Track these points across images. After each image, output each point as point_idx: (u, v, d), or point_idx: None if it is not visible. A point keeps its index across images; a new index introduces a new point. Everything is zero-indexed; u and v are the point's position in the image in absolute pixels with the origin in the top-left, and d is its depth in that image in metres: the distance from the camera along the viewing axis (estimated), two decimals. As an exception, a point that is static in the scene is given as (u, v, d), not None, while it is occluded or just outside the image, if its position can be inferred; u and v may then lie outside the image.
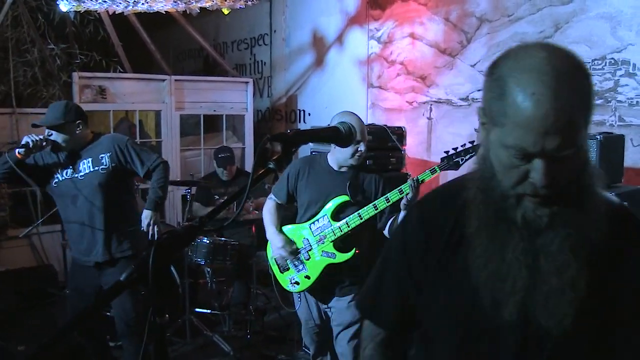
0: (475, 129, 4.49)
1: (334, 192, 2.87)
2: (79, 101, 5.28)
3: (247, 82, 6.39)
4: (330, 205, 2.86)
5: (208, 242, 4.22)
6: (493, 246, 1.02)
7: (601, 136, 2.74)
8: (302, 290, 3.01)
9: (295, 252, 2.95)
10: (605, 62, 3.55)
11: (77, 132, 3.15)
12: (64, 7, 4.79)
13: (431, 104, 4.90)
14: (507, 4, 4.18)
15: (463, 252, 1.08)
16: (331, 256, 2.86)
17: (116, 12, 5.03)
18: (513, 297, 1.01)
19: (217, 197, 4.74)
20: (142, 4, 4.70)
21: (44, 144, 3.01)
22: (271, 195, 3.13)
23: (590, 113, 0.95)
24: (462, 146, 2.79)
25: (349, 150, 2.79)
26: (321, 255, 2.89)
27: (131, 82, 5.70)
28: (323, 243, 2.87)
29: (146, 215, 3.29)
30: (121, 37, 5.96)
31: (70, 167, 3.19)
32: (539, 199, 0.97)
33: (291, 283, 3.00)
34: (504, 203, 1.01)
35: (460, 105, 4.60)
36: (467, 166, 2.83)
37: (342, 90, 5.88)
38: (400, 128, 4.31)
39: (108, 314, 3.84)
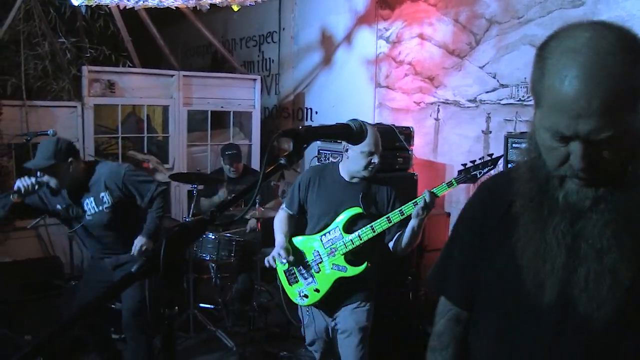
0: (482, 131, 4.48)
1: (346, 204, 2.80)
2: (88, 95, 5.32)
3: (255, 79, 6.41)
4: (343, 217, 2.79)
5: (213, 237, 4.24)
6: (535, 226, 1.03)
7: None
8: (311, 304, 2.92)
9: (292, 262, 2.85)
10: (615, 67, 3.54)
11: (70, 170, 3.08)
12: (75, 1, 4.82)
13: (439, 105, 4.90)
14: (517, 6, 4.17)
15: (512, 231, 1.09)
16: (342, 269, 2.79)
17: (127, 7, 5.05)
18: (552, 278, 1.00)
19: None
20: (153, -1, 4.73)
21: (36, 187, 2.98)
22: (283, 206, 3.07)
23: (628, 98, 0.89)
24: (480, 159, 2.70)
25: (362, 161, 2.74)
26: (332, 268, 2.81)
27: (140, 77, 5.72)
28: (334, 256, 2.80)
29: (140, 241, 3.27)
30: (131, 32, 5.98)
31: (75, 207, 3.22)
32: (582, 181, 0.96)
33: (300, 296, 2.92)
34: (547, 183, 1.01)
35: (468, 107, 4.60)
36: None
37: (349, 90, 5.89)
38: (408, 128, 4.31)
39: (112, 306, 3.87)
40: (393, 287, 3.77)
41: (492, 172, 2.77)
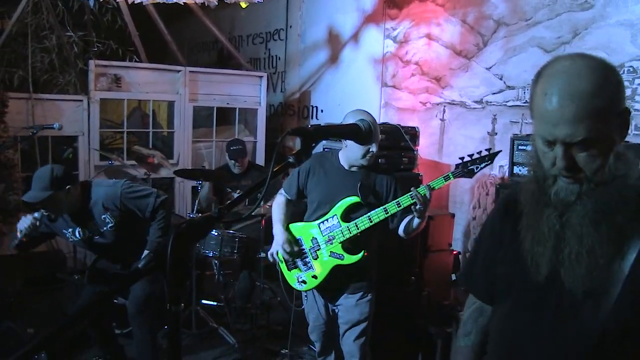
0: (488, 132, 4.47)
1: (344, 192, 2.83)
2: (94, 89, 5.33)
3: (261, 77, 6.40)
4: (341, 206, 2.82)
5: (216, 234, 4.25)
6: (533, 217, 1.25)
7: (616, 144, 2.71)
8: (309, 290, 2.99)
9: (296, 254, 2.91)
10: (624, 70, 3.52)
11: (68, 198, 3.06)
12: (83, -6, 4.83)
13: (445, 106, 4.89)
14: (526, 8, 4.15)
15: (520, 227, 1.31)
16: (339, 257, 2.82)
17: (135, 2, 5.05)
18: (544, 259, 1.22)
19: (229, 189, 4.76)
20: (161, -6, 4.73)
21: (38, 223, 2.99)
22: (281, 191, 3.10)
23: (605, 108, 1.11)
24: (478, 153, 2.69)
25: (360, 150, 2.76)
26: (329, 255, 2.85)
27: (146, 72, 5.73)
28: (332, 244, 2.83)
29: (146, 257, 3.28)
30: (138, 26, 5.99)
31: (80, 229, 3.23)
32: (568, 179, 1.17)
33: (298, 282, 2.97)
34: (544, 182, 1.23)
35: (474, 108, 4.59)
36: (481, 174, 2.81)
37: (355, 88, 5.88)
38: (413, 128, 4.31)
39: (115, 301, 3.88)
40: (397, 287, 3.76)
41: (489, 168, 2.78)
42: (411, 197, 2.60)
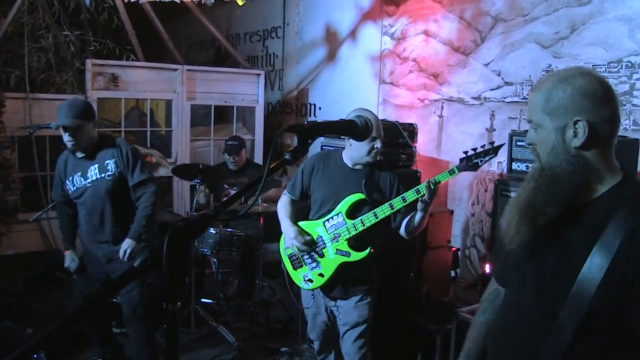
0: (486, 128, 4.47)
1: (348, 190, 2.83)
2: (92, 88, 5.31)
3: (258, 74, 6.39)
4: (346, 203, 2.82)
5: (215, 232, 4.24)
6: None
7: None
8: (315, 288, 2.96)
9: (310, 243, 2.88)
10: (622, 65, 3.52)
11: (91, 132, 3.22)
12: (79, -7, 4.81)
13: (443, 102, 4.89)
14: (523, 4, 4.15)
15: None
16: (345, 255, 2.82)
17: (131, 1, 5.04)
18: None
19: (226, 186, 4.75)
20: (158, -7, 4.71)
21: None
22: (285, 192, 3.09)
23: (546, 105, 1.37)
24: (481, 147, 2.69)
25: (365, 147, 2.76)
26: (335, 253, 2.84)
27: (143, 71, 5.72)
28: (337, 241, 2.82)
29: (127, 244, 3.27)
30: (135, 25, 5.96)
31: (80, 173, 3.28)
32: (535, 161, 1.46)
33: (305, 280, 2.95)
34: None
35: (472, 104, 4.59)
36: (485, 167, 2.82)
37: (353, 86, 5.87)
38: (412, 125, 4.30)
39: (114, 300, 3.87)
40: (396, 284, 3.76)
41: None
42: (426, 186, 2.58)
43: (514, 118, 4.23)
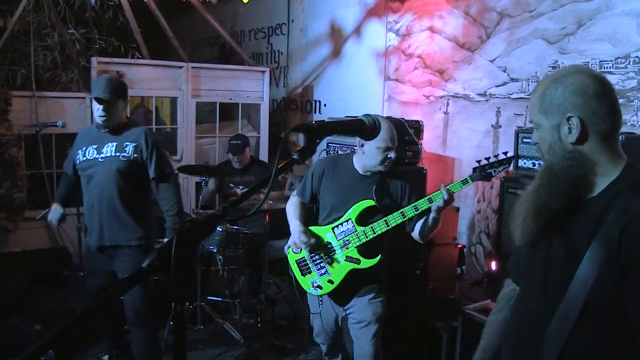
0: (492, 125, 4.45)
1: (358, 196, 2.80)
2: (97, 86, 5.32)
3: (263, 72, 6.39)
4: (356, 209, 2.79)
5: (221, 230, 4.25)
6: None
7: (623, 136, 2.68)
8: (324, 294, 2.93)
9: (319, 246, 2.83)
10: (629, 61, 3.49)
11: (121, 111, 3.22)
12: (84, -9, 4.82)
13: (448, 99, 4.87)
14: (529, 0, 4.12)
15: None
16: (355, 262, 2.78)
17: (136, -1, 5.04)
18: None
19: (231, 185, 4.76)
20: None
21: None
22: (294, 193, 3.07)
23: (542, 105, 1.44)
24: (494, 157, 2.69)
25: (379, 156, 2.74)
26: (345, 260, 2.81)
27: (148, 69, 5.72)
28: (347, 248, 2.80)
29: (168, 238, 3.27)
30: (140, 23, 5.97)
31: (96, 146, 3.21)
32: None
33: (313, 286, 2.92)
34: None
35: (478, 101, 4.57)
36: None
37: (358, 82, 5.86)
38: (417, 122, 4.28)
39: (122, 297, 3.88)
40: (401, 281, 3.76)
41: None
42: (442, 194, 2.58)
43: (519, 114, 4.21)
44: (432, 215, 2.67)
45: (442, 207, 2.62)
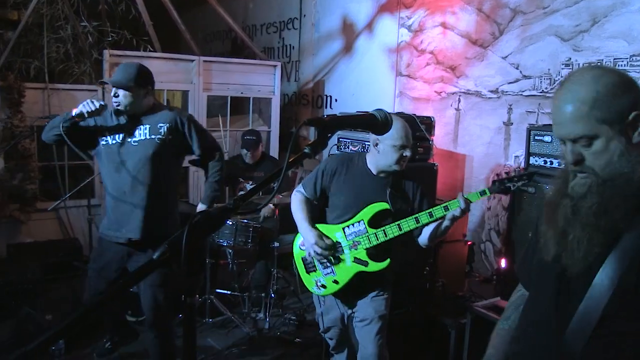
0: (503, 122, 4.43)
1: (372, 198, 2.73)
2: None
3: (275, 66, 6.38)
4: (369, 211, 2.72)
5: (231, 223, 4.26)
6: (553, 205, 1.38)
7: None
8: (328, 294, 2.88)
9: (331, 248, 2.75)
10: (644, 59, 3.46)
11: (144, 98, 3.07)
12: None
13: (460, 95, 4.84)
14: (543, -4, 4.09)
15: None
16: (363, 264, 2.73)
17: (148, -9, 5.05)
18: (552, 240, 1.36)
19: (241, 179, 4.77)
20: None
21: (98, 109, 2.96)
22: (299, 188, 2.95)
23: (596, 112, 1.23)
24: (514, 171, 2.67)
25: (394, 155, 2.68)
26: (353, 261, 2.75)
27: (160, 62, 5.73)
28: (356, 249, 2.74)
29: (201, 209, 3.19)
30: (152, 16, 5.99)
31: (125, 131, 3.08)
32: (583, 174, 1.30)
33: (317, 285, 2.86)
34: (567, 177, 1.36)
35: (490, 98, 4.54)
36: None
37: (370, 78, 5.85)
38: (429, 118, 4.26)
39: (131, 290, 3.91)
40: (411, 278, 3.76)
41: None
42: (460, 203, 2.50)
43: (532, 112, 4.18)
44: (445, 223, 2.58)
45: (457, 217, 2.53)
